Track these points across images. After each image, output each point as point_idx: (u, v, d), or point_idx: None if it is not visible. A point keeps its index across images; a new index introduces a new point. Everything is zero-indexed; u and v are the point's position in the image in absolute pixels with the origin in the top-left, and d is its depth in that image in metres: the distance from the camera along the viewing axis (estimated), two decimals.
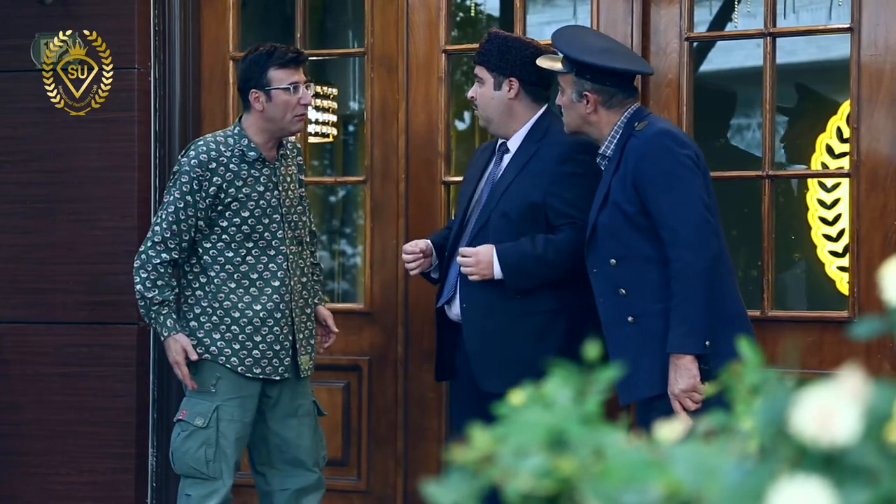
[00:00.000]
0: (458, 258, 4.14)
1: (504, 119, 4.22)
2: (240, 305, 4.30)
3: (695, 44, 4.83)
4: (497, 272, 4.07)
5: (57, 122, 5.14)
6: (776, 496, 1.07)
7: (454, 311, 4.25)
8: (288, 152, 4.43)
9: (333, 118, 7.44)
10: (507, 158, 4.24)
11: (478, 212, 4.24)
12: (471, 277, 4.10)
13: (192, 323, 4.33)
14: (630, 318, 3.84)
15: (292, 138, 4.55)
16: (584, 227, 4.00)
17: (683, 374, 3.77)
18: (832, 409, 1.10)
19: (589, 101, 3.95)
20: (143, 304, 4.28)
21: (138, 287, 4.26)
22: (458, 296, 4.21)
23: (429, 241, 4.35)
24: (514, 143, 4.24)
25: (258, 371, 4.31)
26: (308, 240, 4.49)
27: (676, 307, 3.77)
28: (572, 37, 4.12)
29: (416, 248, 4.29)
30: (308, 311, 4.44)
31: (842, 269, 6.49)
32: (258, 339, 4.30)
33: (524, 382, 4.67)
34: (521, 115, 4.22)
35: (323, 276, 4.74)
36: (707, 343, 3.75)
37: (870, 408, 1.11)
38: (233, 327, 4.30)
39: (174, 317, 4.28)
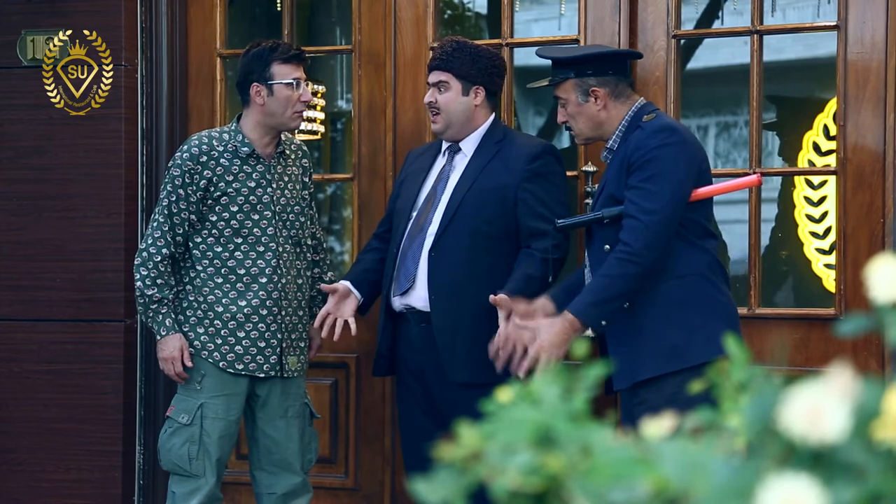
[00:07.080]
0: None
1: (464, 125, 4.35)
2: (224, 301, 4.30)
3: (682, 41, 4.84)
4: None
5: (43, 119, 5.12)
6: (764, 493, 1.07)
7: (405, 301, 4.30)
8: (290, 152, 4.44)
9: (321, 115, 7.42)
10: (460, 158, 4.37)
11: (437, 208, 4.30)
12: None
13: (179, 317, 4.34)
14: (625, 304, 3.84)
15: (298, 139, 4.56)
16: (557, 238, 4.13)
17: (563, 337, 3.79)
18: (821, 406, 1.10)
19: (598, 97, 3.97)
20: (141, 301, 4.29)
21: (138, 284, 4.28)
22: (416, 287, 4.27)
23: (346, 283, 4.37)
24: (468, 144, 4.36)
25: (241, 367, 4.31)
26: (309, 243, 4.48)
27: (600, 279, 3.81)
28: (558, 48, 4.27)
29: (326, 312, 4.31)
30: (301, 312, 4.43)
31: (828, 266, 6.51)
32: (241, 335, 4.30)
33: (492, 372, 4.57)
34: (477, 121, 4.36)
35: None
36: (603, 323, 3.80)
37: (858, 405, 1.11)
38: (216, 322, 4.30)
39: (173, 316, 4.29)
